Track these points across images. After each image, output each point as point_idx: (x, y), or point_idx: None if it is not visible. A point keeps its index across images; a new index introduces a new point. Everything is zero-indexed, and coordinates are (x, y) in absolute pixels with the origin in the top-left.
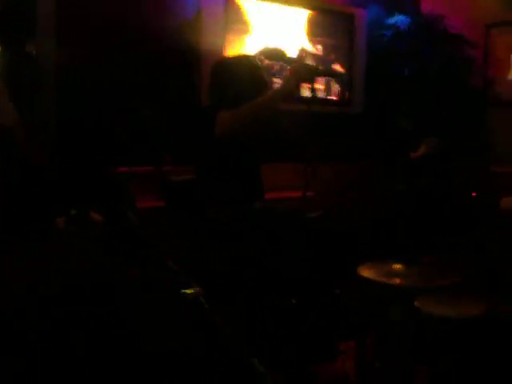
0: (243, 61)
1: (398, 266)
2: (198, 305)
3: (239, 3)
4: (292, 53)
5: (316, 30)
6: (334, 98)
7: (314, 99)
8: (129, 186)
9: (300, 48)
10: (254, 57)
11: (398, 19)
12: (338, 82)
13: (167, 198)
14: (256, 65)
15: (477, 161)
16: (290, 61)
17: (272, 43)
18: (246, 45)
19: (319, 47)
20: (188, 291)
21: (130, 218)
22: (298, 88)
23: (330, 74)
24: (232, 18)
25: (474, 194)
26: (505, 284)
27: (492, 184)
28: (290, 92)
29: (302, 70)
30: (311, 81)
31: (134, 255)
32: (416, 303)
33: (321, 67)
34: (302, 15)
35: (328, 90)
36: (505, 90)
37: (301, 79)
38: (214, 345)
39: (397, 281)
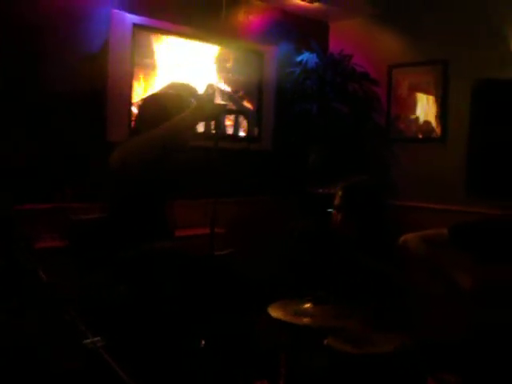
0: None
1: (307, 306)
2: (97, 355)
3: (147, 37)
4: (201, 89)
5: (226, 67)
6: (243, 134)
7: (221, 135)
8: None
9: (208, 84)
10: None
11: (306, 56)
12: (246, 118)
13: (72, 237)
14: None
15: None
16: (197, 97)
17: (181, 78)
18: (154, 79)
19: (229, 83)
20: (87, 341)
21: (28, 259)
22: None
23: (238, 112)
24: (140, 51)
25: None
26: (412, 319)
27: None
28: (194, 123)
29: (207, 107)
30: (216, 119)
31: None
32: (326, 341)
33: (229, 104)
34: (213, 51)
35: (237, 126)
36: (407, 128)
37: (206, 116)
38: None
39: (306, 320)
